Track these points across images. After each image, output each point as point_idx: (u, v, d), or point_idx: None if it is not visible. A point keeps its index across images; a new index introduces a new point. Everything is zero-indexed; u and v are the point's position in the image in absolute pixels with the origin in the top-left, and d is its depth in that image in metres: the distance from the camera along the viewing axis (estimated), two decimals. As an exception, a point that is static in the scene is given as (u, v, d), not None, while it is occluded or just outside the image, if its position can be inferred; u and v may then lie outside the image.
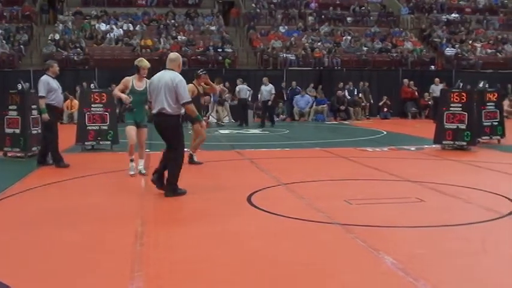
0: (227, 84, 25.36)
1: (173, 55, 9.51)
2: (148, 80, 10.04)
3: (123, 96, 10.83)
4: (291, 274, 5.37)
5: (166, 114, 8.99)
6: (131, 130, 10.92)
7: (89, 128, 15.17)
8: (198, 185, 9.77)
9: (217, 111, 25.99)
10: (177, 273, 5.39)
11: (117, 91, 11.06)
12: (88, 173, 11.44)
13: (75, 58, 29.48)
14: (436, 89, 26.38)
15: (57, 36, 30.99)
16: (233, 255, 5.95)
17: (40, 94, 11.97)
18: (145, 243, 6.35)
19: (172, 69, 9.14)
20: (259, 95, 25.64)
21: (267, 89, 25.06)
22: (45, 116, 11.95)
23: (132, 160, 11.13)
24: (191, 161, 12.27)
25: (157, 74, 9.24)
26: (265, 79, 25.62)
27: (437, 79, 27.90)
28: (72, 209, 8.34)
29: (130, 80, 10.91)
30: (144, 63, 10.98)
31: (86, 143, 15.21)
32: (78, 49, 30.10)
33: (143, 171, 11.07)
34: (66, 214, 7.99)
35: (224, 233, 6.90)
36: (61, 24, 32.66)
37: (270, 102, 25.26)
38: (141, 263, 5.63)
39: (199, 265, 5.61)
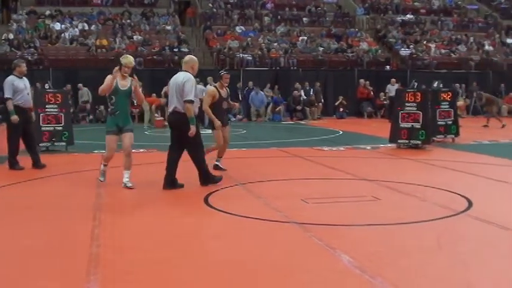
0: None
1: (187, 57, 10.13)
2: (131, 78, 9.90)
3: (114, 75, 9.67)
4: (248, 274, 5.37)
5: (180, 113, 9.47)
6: (111, 142, 9.80)
7: (44, 129, 14.94)
8: (154, 187, 9.71)
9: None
10: (135, 275, 5.35)
11: (101, 87, 9.69)
12: (43, 175, 11.28)
13: (29, 58, 28.92)
14: (392, 88, 26.67)
15: (11, 36, 30.45)
16: (191, 256, 5.93)
17: (6, 96, 11.73)
18: (102, 245, 6.29)
19: (186, 71, 9.71)
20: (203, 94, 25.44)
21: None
22: (14, 117, 11.70)
23: (105, 165, 10.06)
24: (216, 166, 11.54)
25: (175, 75, 9.78)
26: (209, 78, 25.31)
27: (393, 79, 28.21)
28: (27, 211, 8.22)
29: (115, 79, 9.71)
30: (128, 60, 9.82)
31: (40, 144, 14.95)
32: (32, 49, 29.63)
33: (129, 185, 9.75)
34: (20, 216, 7.88)
35: (181, 234, 6.88)
36: (15, 24, 32.13)
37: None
38: (97, 265, 5.58)
39: (157, 266, 5.58)
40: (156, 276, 5.33)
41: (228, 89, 11.76)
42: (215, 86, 11.47)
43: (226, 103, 11.55)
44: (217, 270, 5.49)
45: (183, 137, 9.57)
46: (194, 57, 10.25)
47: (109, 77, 9.73)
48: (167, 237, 6.68)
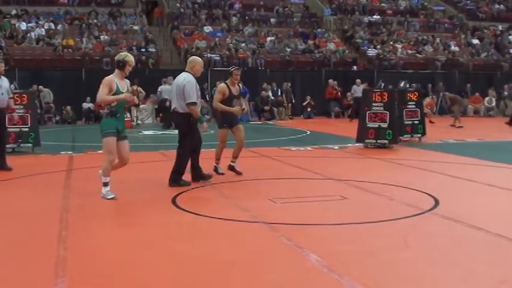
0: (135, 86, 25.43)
1: (190, 58, 10.28)
2: (127, 81, 9.21)
3: (124, 95, 8.75)
4: (217, 274, 5.36)
5: (178, 113, 9.77)
6: (113, 144, 8.75)
7: (10, 130, 14.73)
8: (122, 188, 9.64)
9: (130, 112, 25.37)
10: (102, 277, 5.31)
11: (107, 96, 8.64)
12: (9, 177, 11.15)
13: (-6, 58, 28.70)
14: (358, 89, 26.93)
15: (-24, 36, 30.14)
16: (159, 257, 5.90)
17: None
18: (69, 247, 6.23)
19: (188, 71, 9.86)
20: (158, 94, 25.34)
21: (168, 89, 24.29)
22: None
23: (106, 184, 8.84)
24: (227, 169, 11.10)
25: (178, 75, 10.04)
26: (169, 78, 25.03)
27: (358, 80, 28.40)
28: (-8, 212, 8.13)
29: (114, 81, 8.79)
30: (131, 58, 9.00)
31: (6, 145, 14.76)
32: (-2, 49, 29.34)
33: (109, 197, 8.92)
34: (-15, 218, 7.79)
35: (149, 235, 6.84)
36: (-20, 24, 31.78)
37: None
38: (65, 268, 5.52)
39: (125, 268, 5.55)
40: (124, 277, 5.30)
41: (240, 86, 11.31)
42: (226, 83, 10.91)
43: (237, 101, 11.16)
44: (186, 271, 5.47)
45: (178, 134, 9.96)
46: (197, 58, 10.30)
47: (108, 80, 8.80)
48: (135, 239, 6.64)
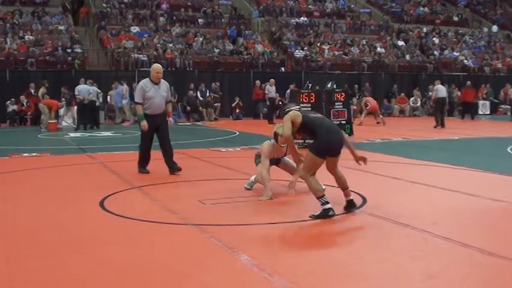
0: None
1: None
2: None
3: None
4: (147, 277, 5.29)
5: None
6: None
7: None
8: (47, 192, 9.46)
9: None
10: (30, 284, 5.17)
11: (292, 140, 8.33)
12: None
13: None
14: (271, 89, 27.41)
15: None
16: (87, 262, 5.77)
17: None
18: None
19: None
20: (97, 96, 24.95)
21: (86, 88, 24.09)
22: None
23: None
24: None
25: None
26: (88, 80, 24.92)
27: (272, 80, 28.68)
28: None
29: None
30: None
31: None
32: None
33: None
34: None
35: (77, 240, 6.67)
36: None
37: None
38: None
39: (52, 274, 5.41)
40: (52, 284, 5.18)
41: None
42: None
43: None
44: (114, 276, 5.38)
45: None
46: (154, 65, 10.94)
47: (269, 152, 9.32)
48: (62, 244, 6.47)
